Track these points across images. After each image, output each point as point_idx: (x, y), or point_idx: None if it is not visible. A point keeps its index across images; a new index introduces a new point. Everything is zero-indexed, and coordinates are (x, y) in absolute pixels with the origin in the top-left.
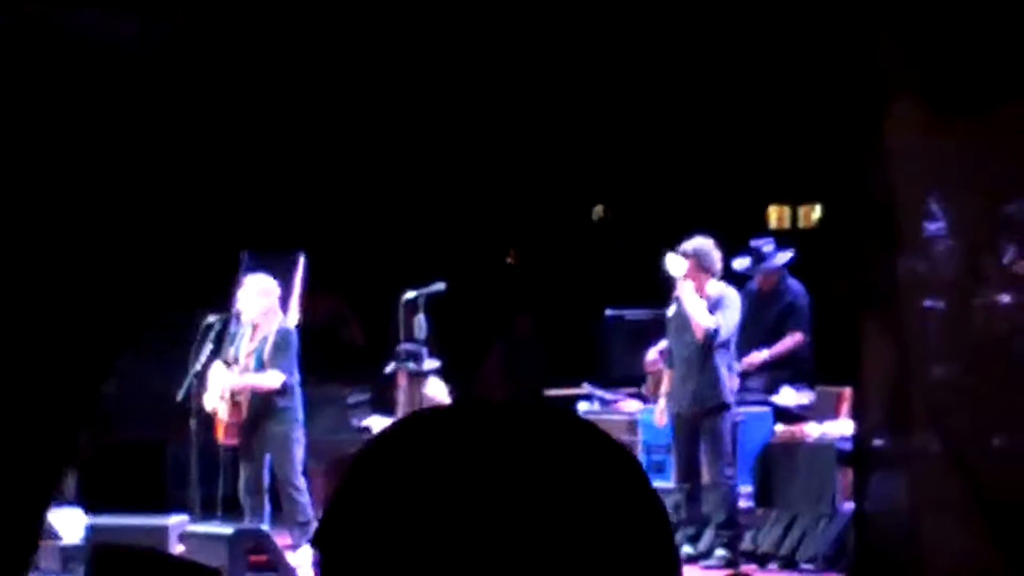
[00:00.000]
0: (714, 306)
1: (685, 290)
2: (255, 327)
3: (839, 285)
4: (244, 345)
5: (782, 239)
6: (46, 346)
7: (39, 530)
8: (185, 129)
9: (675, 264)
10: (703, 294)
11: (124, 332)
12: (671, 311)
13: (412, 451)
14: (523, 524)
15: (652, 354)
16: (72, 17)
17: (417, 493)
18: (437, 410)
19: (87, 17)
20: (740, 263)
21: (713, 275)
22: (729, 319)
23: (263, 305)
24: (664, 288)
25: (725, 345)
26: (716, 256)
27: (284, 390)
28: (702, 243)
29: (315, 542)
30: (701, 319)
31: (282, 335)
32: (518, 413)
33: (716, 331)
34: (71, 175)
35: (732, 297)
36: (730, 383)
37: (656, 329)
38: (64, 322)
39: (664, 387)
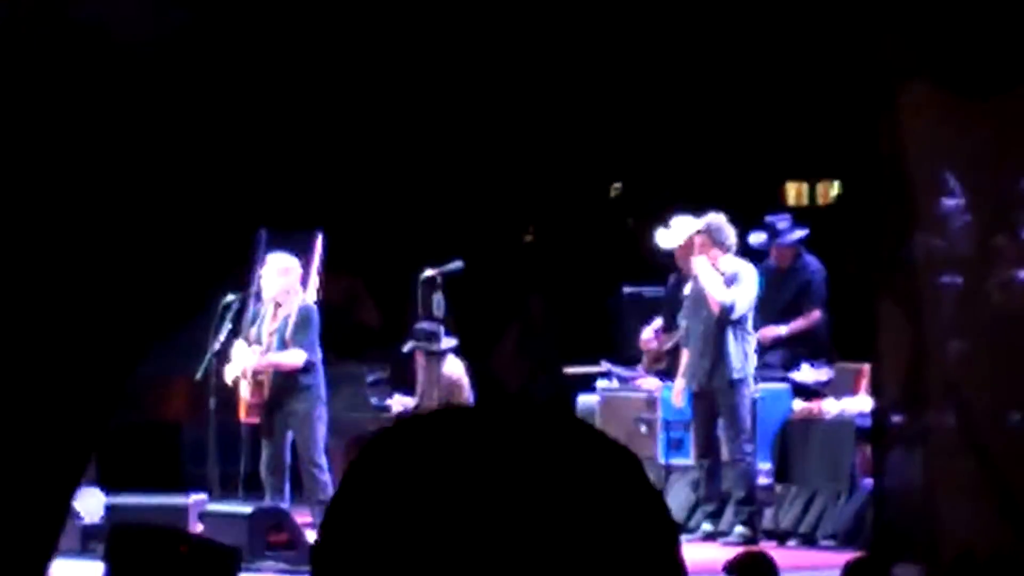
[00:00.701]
0: (730, 281)
1: (700, 266)
2: (277, 306)
3: (851, 262)
4: (266, 324)
5: (800, 216)
6: (74, 328)
7: (65, 513)
8: (199, 109)
9: (665, 237)
10: (717, 269)
11: (158, 314)
12: (687, 288)
13: (406, 458)
14: (522, 529)
15: (648, 332)
16: (75, 3)
17: (412, 501)
18: (427, 416)
19: (95, 3)
20: (756, 238)
21: (727, 250)
22: (745, 294)
23: (284, 284)
24: (670, 266)
25: (742, 321)
26: (730, 231)
27: (306, 368)
28: (715, 218)
29: (311, 559)
30: (717, 294)
31: (304, 313)
32: (511, 416)
33: (732, 306)
34: (81, 161)
35: (748, 272)
36: (747, 359)
37: (668, 306)
38: (90, 306)
39: (681, 367)
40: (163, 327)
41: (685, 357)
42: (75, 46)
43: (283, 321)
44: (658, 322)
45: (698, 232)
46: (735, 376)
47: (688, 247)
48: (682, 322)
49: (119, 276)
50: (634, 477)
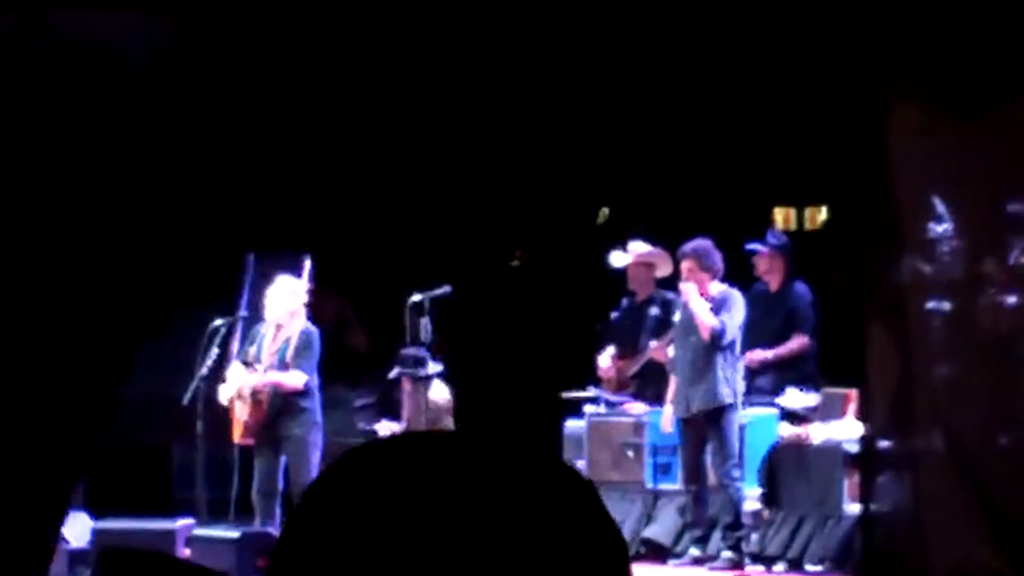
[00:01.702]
0: (718, 306)
1: (689, 292)
2: (278, 327)
3: (838, 281)
4: (267, 344)
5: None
6: (61, 352)
7: (55, 538)
8: (189, 132)
9: (618, 258)
10: (706, 294)
11: (137, 337)
12: (676, 316)
13: (360, 486)
14: (474, 555)
15: (604, 359)
16: (70, 19)
17: (365, 528)
18: (380, 442)
19: (86, 19)
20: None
21: (715, 275)
22: (734, 319)
23: (290, 306)
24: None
25: (730, 347)
26: (716, 256)
27: (305, 391)
28: (701, 243)
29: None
30: (706, 319)
31: (305, 336)
32: (465, 442)
33: (723, 331)
34: (73, 178)
35: (736, 298)
36: (736, 384)
37: (622, 330)
38: (77, 328)
39: (670, 392)
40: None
41: (673, 383)
42: (65, 64)
43: (284, 343)
44: (611, 349)
45: (685, 257)
46: (724, 402)
47: (638, 269)
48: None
49: (106, 296)
50: (586, 501)
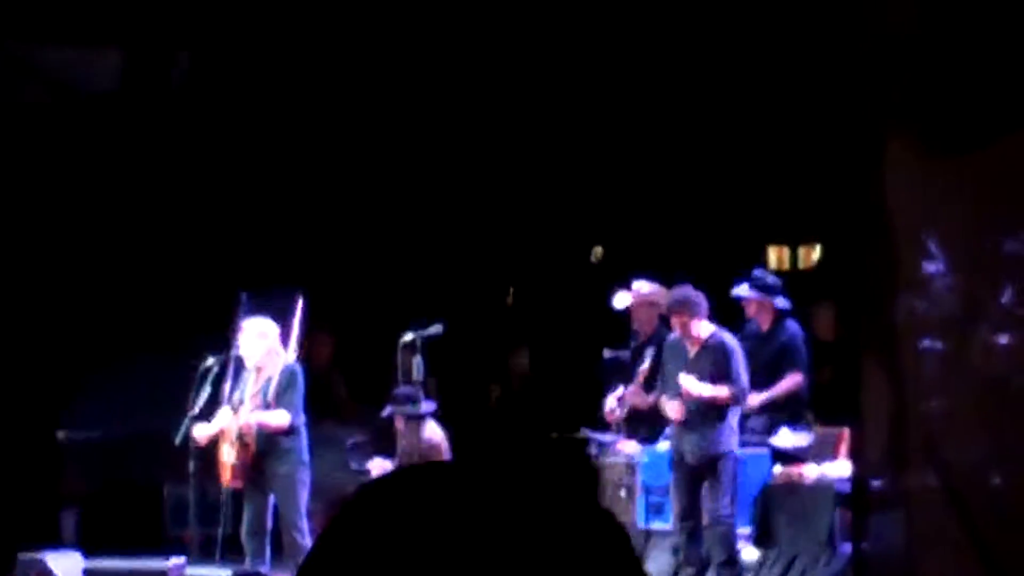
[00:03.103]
0: (717, 357)
1: (690, 384)
2: (259, 370)
3: (824, 374)
4: (248, 387)
5: (781, 280)
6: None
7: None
8: (176, 169)
9: (621, 299)
10: (697, 338)
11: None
12: (692, 353)
13: (397, 507)
14: None
15: (611, 402)
16: (55, 55)
17: (389, 560)
18: (426, 467)
19: (71, 56)
20: (740, 290)
21: (702, 316)
22: (743, 375)
23: (264, 347)
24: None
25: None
26: (700, 297)
27: (290, 430)
28: (684, 292)
29: None
30: (720, 395)
31: (287, 374)
32: (491, 475)
33: (744, 391)
34: (61, 213)
35: (736, 351)
36: (735, 432)
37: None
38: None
39: (669, 430)
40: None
41: (673, 422)
42: (42, 97)
43: (266, 383)
44: (620, 391)
45: (672, 312)
46: (724, 448)
47: (640, 308)
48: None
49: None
50: (616, 543)
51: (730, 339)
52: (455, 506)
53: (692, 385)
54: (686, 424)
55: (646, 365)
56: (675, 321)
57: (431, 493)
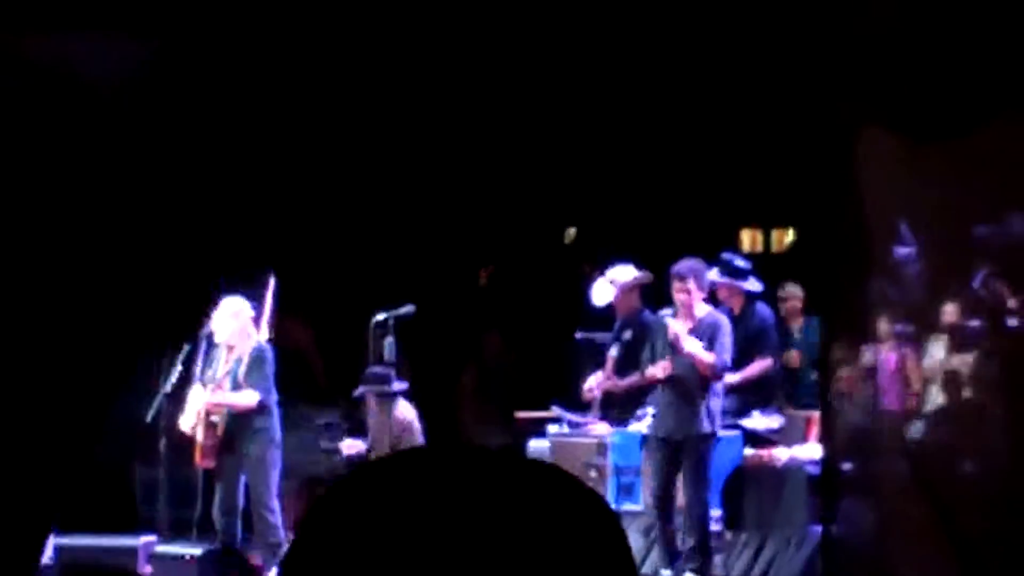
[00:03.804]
0: (707, 333)
1: (679, 332)
2: (230, 348)
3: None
4: (220, 366)
5: (754, 263)
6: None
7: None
8: (154, 152)
9: (599, 292)
10: (693, 317)
11: (123, 357)
12: (662, 339)
13: (385, 491)
14: (491, 569)
15: (591, 382)
16: (42, 45)
17: (385, 535)
18: (415, 451)
19: (55, 45)
20: (709, 274)
21: (704, 294)
22: (727, 347)
23: (236, 326)
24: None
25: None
26: (707, 276)
27: (260, 410)
28: (696, 264)
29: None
30: (704, 357)
31: (256, 354)
32: (491, 458)
33: (724, 366)
34: (44, 202)
35: (726, 326)
36: (717, 412)
37: (618, 352)
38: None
39: (645, 411)
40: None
41: (650, 401)
42: (32, 86)
43: (236, 363)
44: (599, 374)
45: (681, 277)
46: (707, 428)
47: (624, 295)
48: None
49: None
50: (607, 525)
51: (724, 319)
52: (442, 490)
53: (688, 342)
54: (672, 401)
55: (616, 349)
56: (677, 287)
57: (417, 477)
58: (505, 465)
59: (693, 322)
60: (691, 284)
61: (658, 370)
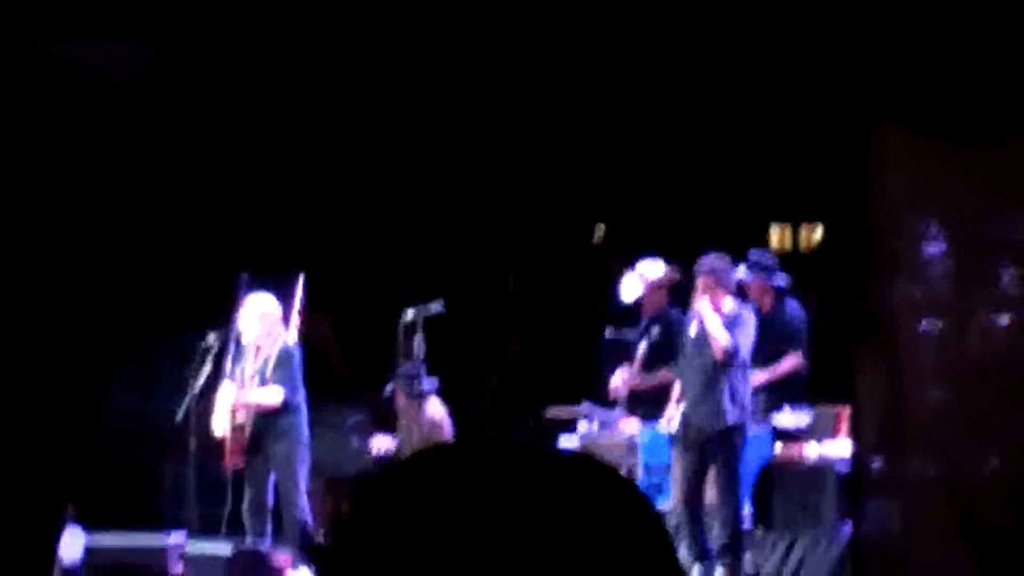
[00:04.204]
0: (731, 324)
1: (704, 309)
2: (258, 348)
3: (815, 302)
4: (248, 366)
5: (783, 260)
6: (46, 371)
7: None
8: (182, 152)
9: (629, 287)
10: (719, 311)
11: (120, 355)
12: (692, 331)
13: (424, 485)
14: (533, 564)
15: (616, 379)
16: (66, 46)
17: (425, 530)
18: (453, 446)
19: (81, 45)
20: (738, 273)
21: (729, 291)
22: (746, 337)
23: (263, 326)
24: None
25: (741, 364)
26: (733, 273)
27: (287, 409)
28: (719, 260)
29: (317, 560)
30: (720, 337)
31: (283, 353)
32: (533, 454)
33: (736, 348)
34: (72, 199)
35: (748, 316)
36: (745, 403)
37: (655, 351)
38: (62, 347)
39: (675, 402)
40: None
41: (676, 397)
42: (51, 83)
43: (264, 362)
44: (625, 370)
45: (703, 273)
46: (733, 420)
47: (653, 292)
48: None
49: (93, 311)
50: (648, 522)
51: (748, 313)
52: (483, 485)
53: (710, 320)
54: (695, 396)
55: (643, 346)
56: (700, 283)
57: (456, 472)
58: (545, 459)
59: (720, 316)
60: (713, 280)
61: (633, 380)
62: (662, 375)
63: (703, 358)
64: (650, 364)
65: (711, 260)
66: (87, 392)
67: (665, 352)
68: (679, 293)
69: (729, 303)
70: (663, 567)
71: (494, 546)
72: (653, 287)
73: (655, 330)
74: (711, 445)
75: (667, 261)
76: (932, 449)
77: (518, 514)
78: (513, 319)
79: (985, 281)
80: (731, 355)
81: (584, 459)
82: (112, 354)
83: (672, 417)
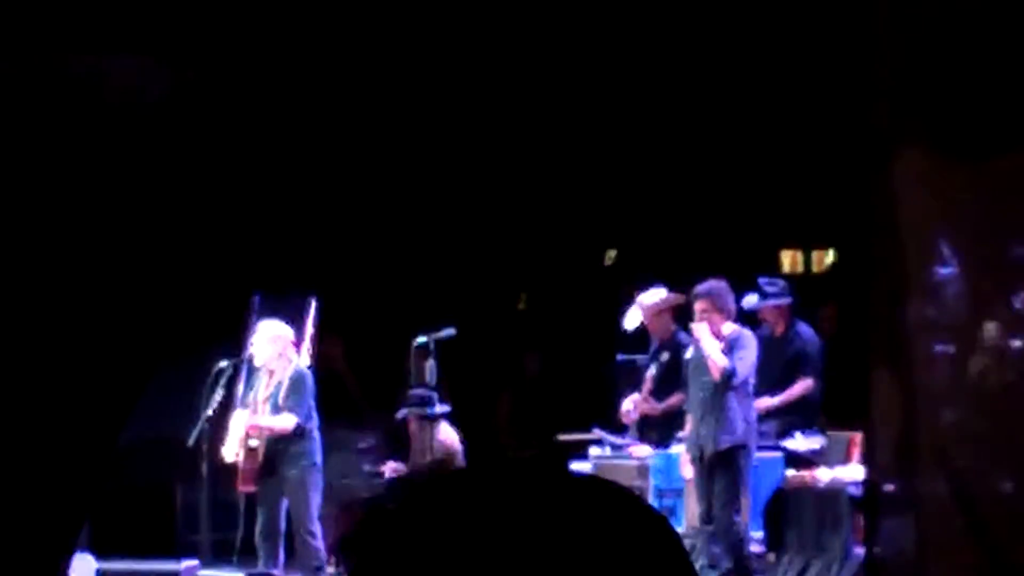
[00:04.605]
0: (731, 347)
1: (701, 332)
2: (271, 372)
3: (827, 319)
4: (260, 391)
5: (795, 283)
6: (63, 390)
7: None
8: (193, 173)
9: (630, 318)
10: (719, 335)
11: (140, 378)
12: (688, 354)
13: (443, 509)
14: None
15: (627, 404)
16: (74, 61)
17: (445, 553)
18: (470, 470)
19: (88, 62)
20: (748, 300)
21: (728, 316)
22: (746, 359)
23: (274, 351)
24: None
25: (743, 386)
26: (731, 298)
27: (300, 434)
28: (716, 284)
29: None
30: (717, 359)
31: (296, 378)
32: (549, 476)
33: (733, 371)
34: (77, 220)
35: (748, 338)
36: (749, 425)
37: (664, 377)
38: (79, 368)
39: (684, 432)
40: (141, 389)
41: (689, 424)
42: (73, 102)
43: (276, 387)
44: (635, 396)
45: (699, 298)
46: (734, 441)
47: (655, 318)
48: (638, 396)
49: (109, 333)
50: (668, 543)
51: (749, 334)
52: (501, 510)
53: (707, 342)
54: (699, 418)
55: (653, 371)
56: (697, 308)
57: (474, 495)
58: (564, 481)
59: (719, 340)
60: (710, 304)
61: (644, 404)
62: (673, 400)
63: (702, 381)
64: (660, 389)
65: (708, 285)
66: (107, 415)
67: (674, 377)
68: (686, 316)
69: (729, 327)
70: None
71: (514, 569)
72: (653, 313)
73: (664, 355)
74: (715, 465)
75: (675, 286)
76: (945, 471)
77: (538, 537)
78: (525, 339)
79: (998, 303)
80: (729, 377)
81: (599, 480)
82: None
83: (686, 462)
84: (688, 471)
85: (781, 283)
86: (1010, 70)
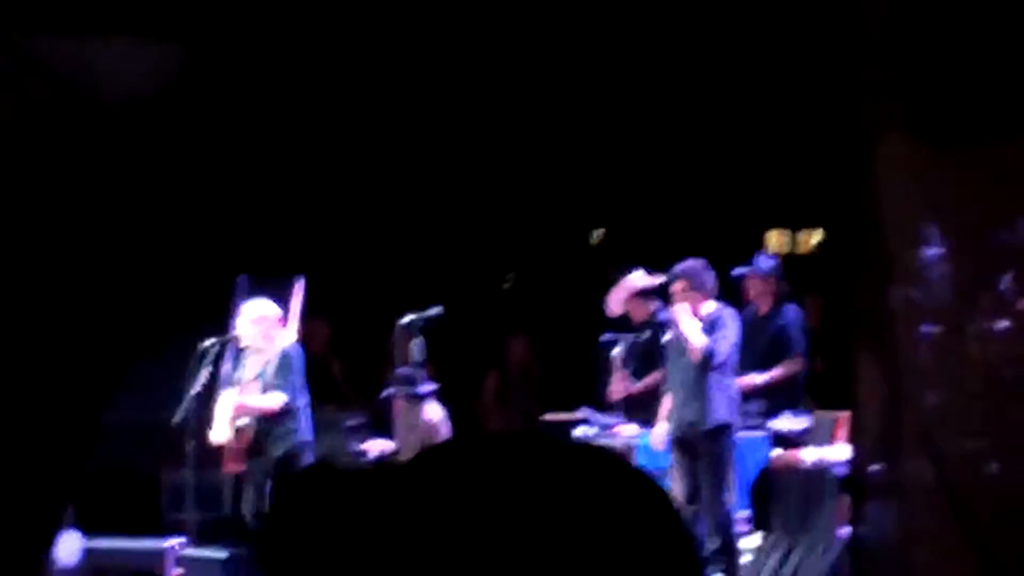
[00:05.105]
0: (711, 326)
1: (679, 312)
2: (258, 352)
3: (813, 310)
4: (247, 370)
5: (782, 263)
6: (48, 374)
7: (45, 562)
8: (179, 156)
9: (611, 303)
10: (698, 315)
11: (124, 360)
12: (668, 335)
13: (432, 478)
14: (546, 557)
15: (616, 384)
16: (68, 50)
17: (433, 521)
18: (453, 442)
19: (81, 49)
20: (737, 271)
21: (707, 295)
22: (727, 339)
23: (260, 331)
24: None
25: (724, 366)
26: (708, 276)
27: (287, 412)
28: (692, 264)
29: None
30: (696, 340)
31: (283, 356)
32: (545, 444)
33: (712, 351)
34: (68, 204)
35: (728, 316)
36: (731, 405)
37: (637, 355)
38: (64, 350)
39: (663, 410)
40: (124, 371)
41: (667, 402)
42: (58, 96)
43: (264, 367)
44: (621, 375)
45: (675, 278)
46: (716, 421)
47: (632, 304)
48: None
49: (92, 315)
50: (664, 510)
51: (728, 313)
52: (492, 476)
53: (684, 322)
54: (681, 398)
55: (621, 351)
56: (674, 289)
57: (463, 464)
58: (557, 448)
59: (696, 320)
60: (687, 284)
61: (624, 384)
62: (649, 379)
63: (682, 362)
64: (640, 369)
65: (684, 265)
66: (91, 397)
67: (654, 357)
68: (667, 297)
69: (710, 305)
70: (682, 554)
71: (506, 537)
72: (631, 295)
73: (644, 335)
74: (698, 446)
75: (659, 267)
76: (930, 454)
77: (530, 503)
78: (512, 320)
79: (984, 286)
80: (708, 357)
81: (594, 447)
82: (117, 359)
83: (659, 430)
84: (660, 444)
85: (775, 260)
86: (996, 58)
